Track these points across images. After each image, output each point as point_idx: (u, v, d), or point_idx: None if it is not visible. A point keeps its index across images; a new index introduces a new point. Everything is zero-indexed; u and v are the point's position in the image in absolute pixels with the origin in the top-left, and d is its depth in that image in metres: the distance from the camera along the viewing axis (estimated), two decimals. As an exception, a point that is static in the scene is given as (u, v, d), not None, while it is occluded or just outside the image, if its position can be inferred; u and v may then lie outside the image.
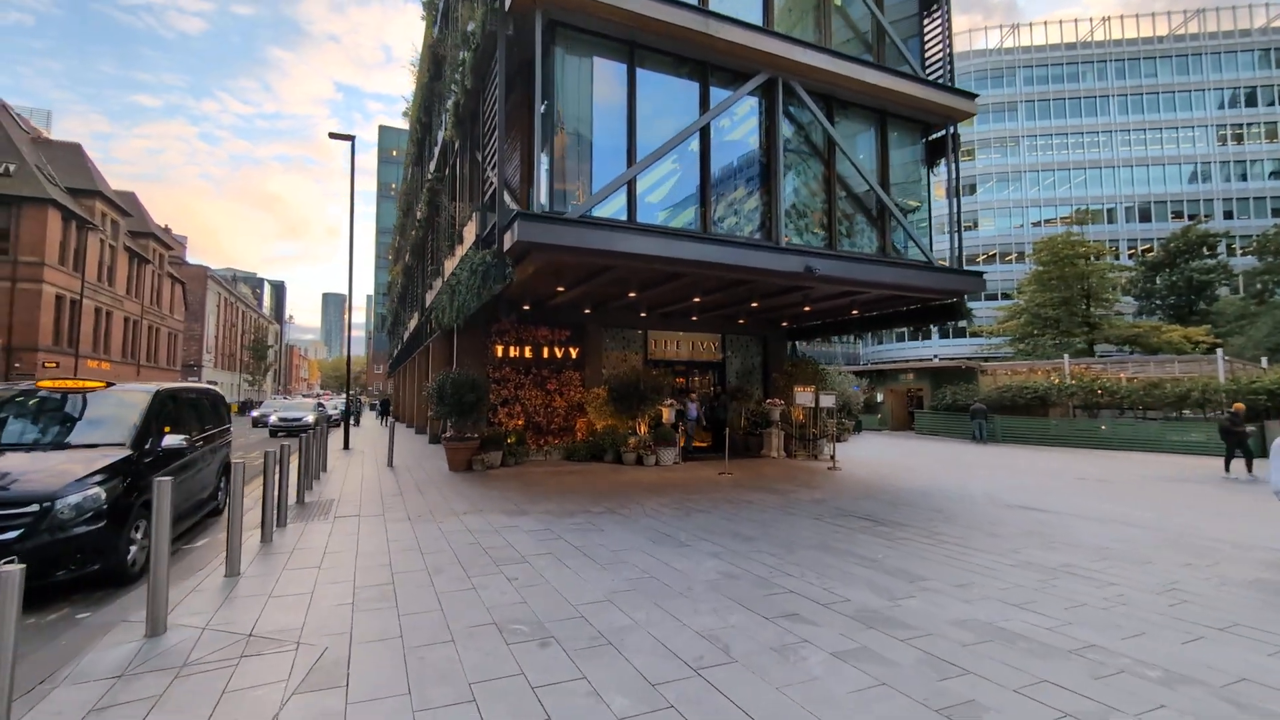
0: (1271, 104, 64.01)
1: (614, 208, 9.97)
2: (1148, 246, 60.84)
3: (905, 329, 14.65)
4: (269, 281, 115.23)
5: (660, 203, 10.51)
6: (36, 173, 25.75)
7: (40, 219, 25.26)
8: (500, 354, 14.41)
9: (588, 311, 14.98)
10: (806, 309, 13.83)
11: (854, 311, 14.56)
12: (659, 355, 16.66)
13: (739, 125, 11.34)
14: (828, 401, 15.54)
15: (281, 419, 26.60)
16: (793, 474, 12.58)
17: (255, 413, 32.99)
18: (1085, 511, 8.77)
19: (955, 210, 13.35)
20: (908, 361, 37.55)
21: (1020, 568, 5.77)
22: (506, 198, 9.42)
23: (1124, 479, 12.68)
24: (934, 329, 62.99)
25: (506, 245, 8.72)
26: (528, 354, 14.69)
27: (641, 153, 9.94)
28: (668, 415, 14.30)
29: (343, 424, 17.65)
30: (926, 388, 27.78)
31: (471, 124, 12.64)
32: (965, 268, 12.89)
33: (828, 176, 12.23)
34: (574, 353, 15.23)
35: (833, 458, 15.20)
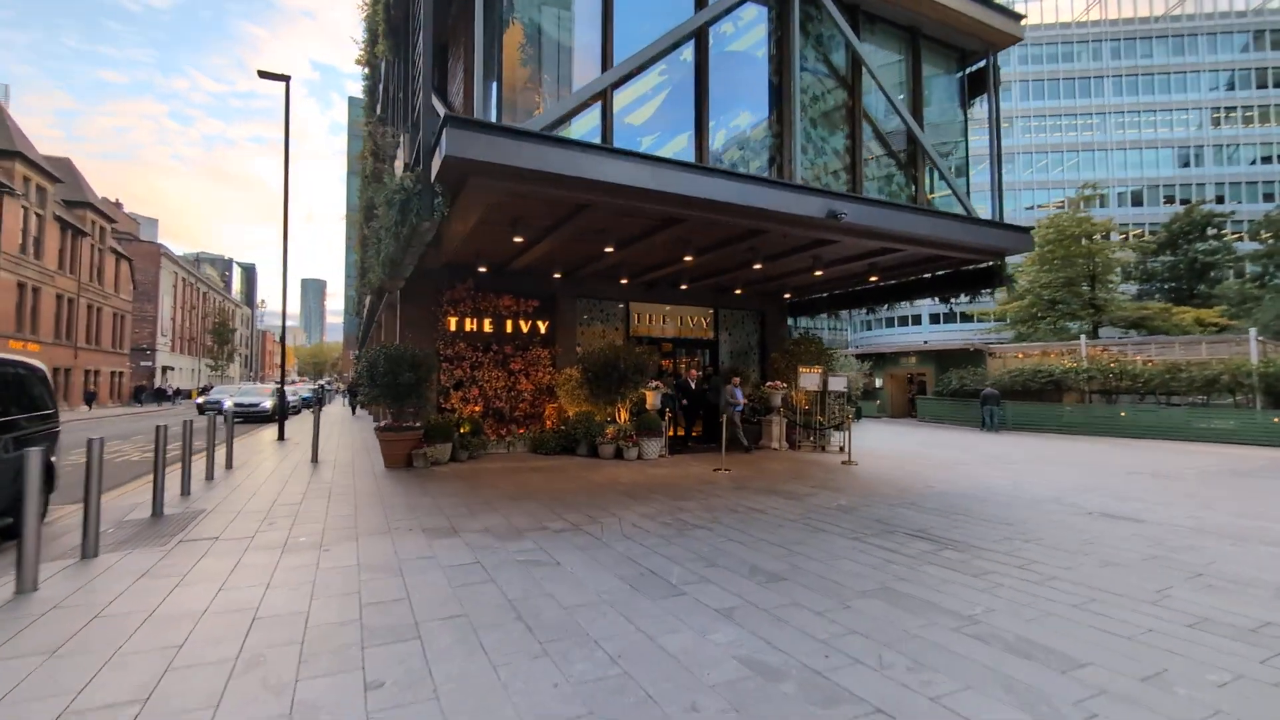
0: (1264, 87, 62.98)
1: (584, 128, 7.68)
2: (1139, 231, 59.75)
3: (931, 298, 12.50)
4: (239, 264, 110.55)
5: (644, 126, 8.21)
6: (-63, 127, 22.64)
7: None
8: (454, 327, 12.06)
9: (558, 277, 12.66)
10: (817, 274, 11.67)
11: (872, 279, 12.41)
12: (643, 331, 14.41)
13: (744, 33, 9.04)
14: (838, 385, 13.46)
15: (238, 405, 24.57)
16: (803, 470, 10.47)
17: (201, 399, 30.23)
18: (1196, 522, 6.73)
19: (995, 153, 11.22)
20: (902, 346, 35.72)
21: (1218, 634, 3.66)
22: (436, 103, 7.05)
23: (1181, 473, 10.74)
24: (924, 313, 61.53)
25: (435, 168, 6.39)
26: (487, 327, 12.36)
27: (620, 55, 7.62)
28: (652, 400, 12.09)
29: (280, 413, 15.23)
30: (930, 372, 25.90)
31: (405, 29, 10.18)
32: (1009, 223, 10.77)
33: (851, 107, 10.01)
34: (543, 327, 12.93)
35: (843, 449, 13.14)
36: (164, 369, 47.02)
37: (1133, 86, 65.87)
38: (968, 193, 10.85)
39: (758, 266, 11.08)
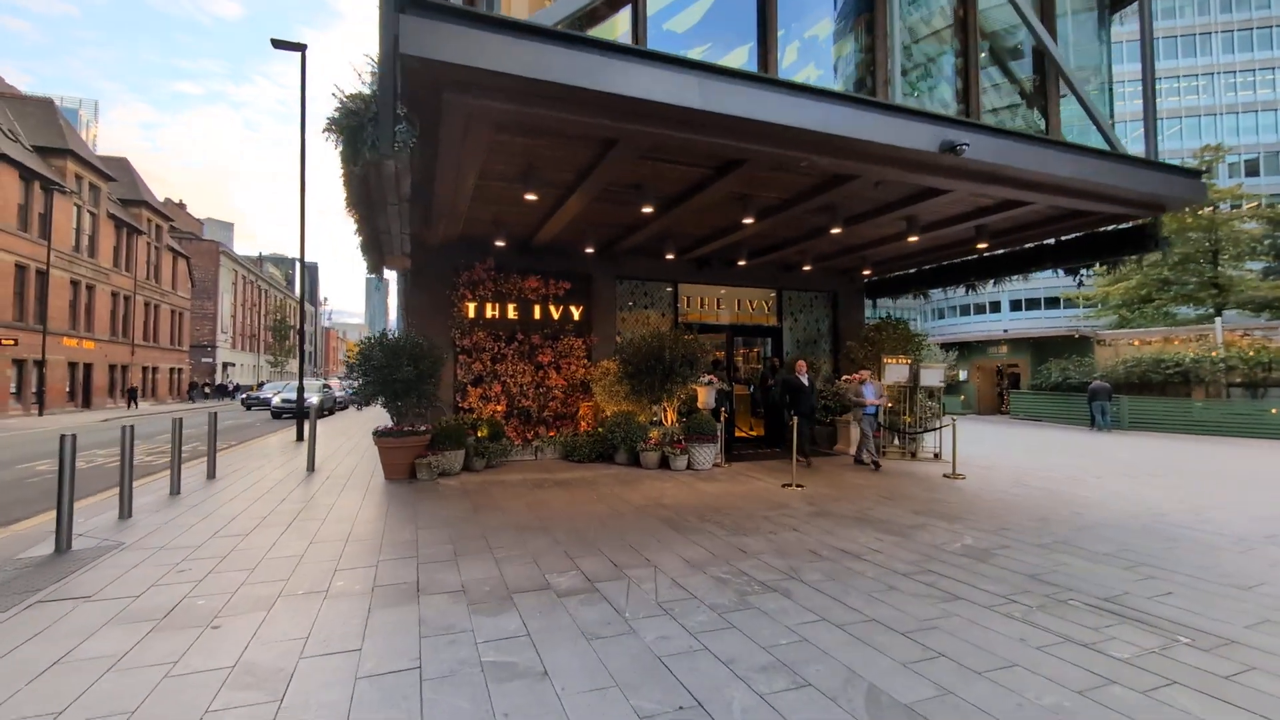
0: None
1: (608, 33, 5.75)
2: (1254, 204, 52.98)
3: (1054, 269, 9.97)
4: (300, 262, 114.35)
5: (689, 35, 6.22)
6: (-7, 128, 22.89)
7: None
8: (471, 314, 10.39)
9: (592, 253, 10.78)
10: (911, 239, 9.33)
11: (979, 247, 9.94)
12: (694, 317, 12.39)
13: (823, -87, 6.87)
14: (932, 379, 11.08)
15: (285, 400, 24.37)
16: (897, 486, 8.24)
17: (244, 395, 30.15)
18: None
19: (1148, 77, 8.60)
20: (990, 334, 31.97)
21: None
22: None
23: None
24: (1004, 298, 56.52)
25: (396, 80, 4.60)
26: (511, 314, 10.64)
27: (656, -68, 5.64)
28: (705, 397, 10.09)
29: (298, 412, 14.09)
30: (1024, 363, 22.74)
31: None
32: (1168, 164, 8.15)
33: (963, 17, 7.67)
34: (576, 313, 11.10)
35: (938, 456, 10.76)
36: (224, 365, 48.21)
37: (1245, 43, 58.68)
38: (1111, 123, 8.30)
39: (835, 232, 8.86)
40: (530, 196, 7.00)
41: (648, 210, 7.54)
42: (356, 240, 8.15)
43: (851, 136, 5.71)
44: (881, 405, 10.00)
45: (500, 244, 9.81)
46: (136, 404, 29.94)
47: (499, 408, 10.38)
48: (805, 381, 9.96)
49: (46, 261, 24.91)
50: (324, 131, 4.81)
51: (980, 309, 62.63)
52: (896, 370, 11.06)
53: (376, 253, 8.90)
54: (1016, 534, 5.82)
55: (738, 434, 12.72)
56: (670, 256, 10.68)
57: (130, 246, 32.47)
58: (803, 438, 9.41)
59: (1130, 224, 9.01)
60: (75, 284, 27.32)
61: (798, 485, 8.11)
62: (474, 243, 10.22)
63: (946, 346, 25.94)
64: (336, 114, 4.70)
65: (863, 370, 10.27)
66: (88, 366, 28.41)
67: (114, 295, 30.65)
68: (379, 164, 4.93)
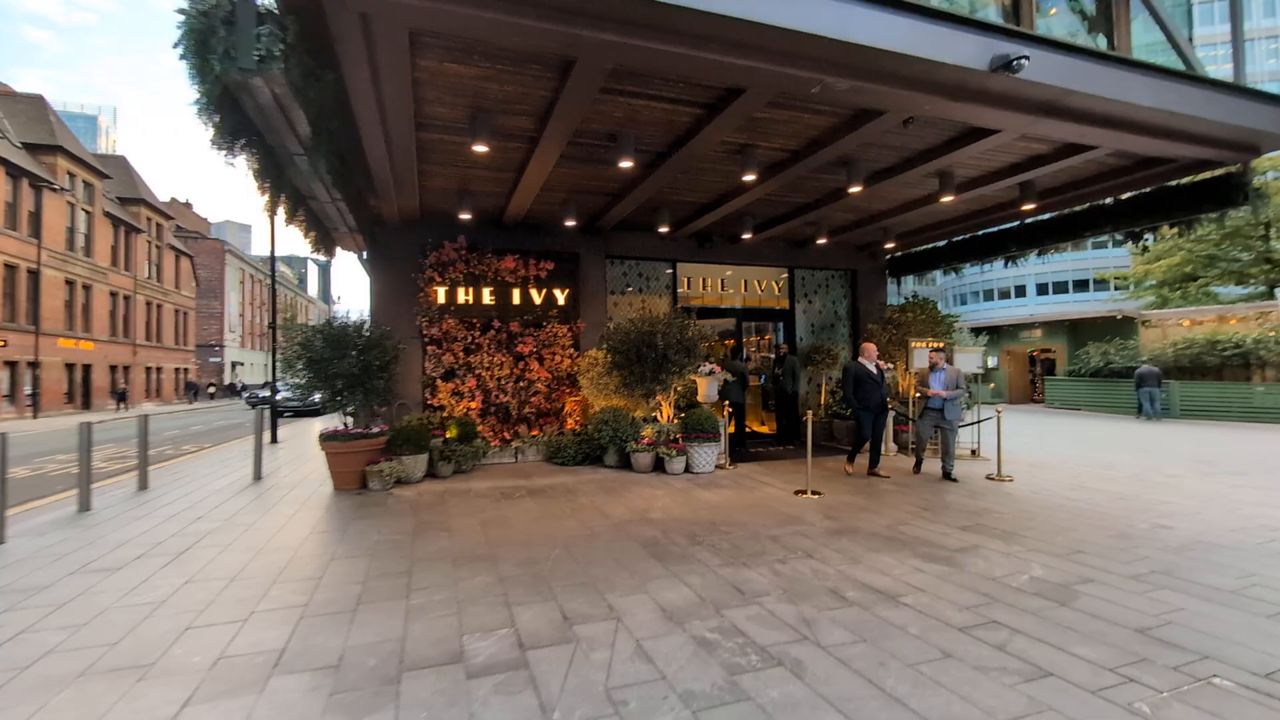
0: None
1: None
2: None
3: (1111, 233, 8.47)
4: (314, 261, 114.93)
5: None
6: (-23, 124, 22.23)
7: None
8: (441, 299, 9.21)
9: (574, 226, 9.53)
10: (945, 199, 7.92)
11: (1025, 208, 8.49)
12: (696, 300, 11.12)
13: None
14: (969, 364, 9.67)
15: (286, 400, 23.49)
16: (935, 493, 6.92)
17: (248, 394, 29.49)
18: None
19: (1238, -3, 7.12)
20: (1023, 317, 30.03)
21: None
22: None
23: None
24: (1029, 281, 54.19)
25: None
26: (487, 298, 9.44)
27: None
28: (705, 389, 8.81)
29: (272, 413, 13.08)
30: (1061, 347, 21.08)
31: None
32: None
33: (1008, -87, 6.25)
34: (561, 296, 9.87)
35: (976, 453, 9.38)
36: (233, 364, 47.85)
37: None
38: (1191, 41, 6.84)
39: (854, 191, 7.50)
40: (480, 148, 5.75)
41: (626, 165, 6.26)
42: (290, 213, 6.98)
43: (876, 47, 4.38)
44: (959, 399, 7.63)
45: (468, 218, 8.59)
46: (126, 405, 29.35)
47: (473, 405, 9.20)
48: (874, 370, 7.85)
49: (38, 260, 24.28)
50: (175, 46, 3.60)
51: (1005, 294, 60.26)
52: (925, 355, 9.66)
53: (319, 228, 7.74)
54: (1097, 559, 4.49)
55: (747, 429, 11.43)
56: (665, 230, 9.38)
57: (129, 245, 31.90)
58: (875, 441, 7.96)
59: (1208, 175, 7.54)
60: (70, 283, 26.73)
61: (813, 493, 6.81)
62: (441, 218, 9.03)
63: (974, 331, 24.34)
64: (186, 15, 3.48)
65: (934, 352, 8.12)
66: (86, 367, 27.88)
67: (113, 295, 30.09)
68: (245, 85, 3.72)
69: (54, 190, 25.03)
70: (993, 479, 7.65)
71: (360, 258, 9.29)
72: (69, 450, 13.00)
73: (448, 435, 8.34)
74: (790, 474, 8.00)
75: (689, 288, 11.05)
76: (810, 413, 7.23)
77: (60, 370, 25.95)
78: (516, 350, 9.48)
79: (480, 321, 9.38)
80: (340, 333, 6.97)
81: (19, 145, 24.61)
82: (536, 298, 9.72)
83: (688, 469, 8.17)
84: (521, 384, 9.46)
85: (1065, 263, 47.85)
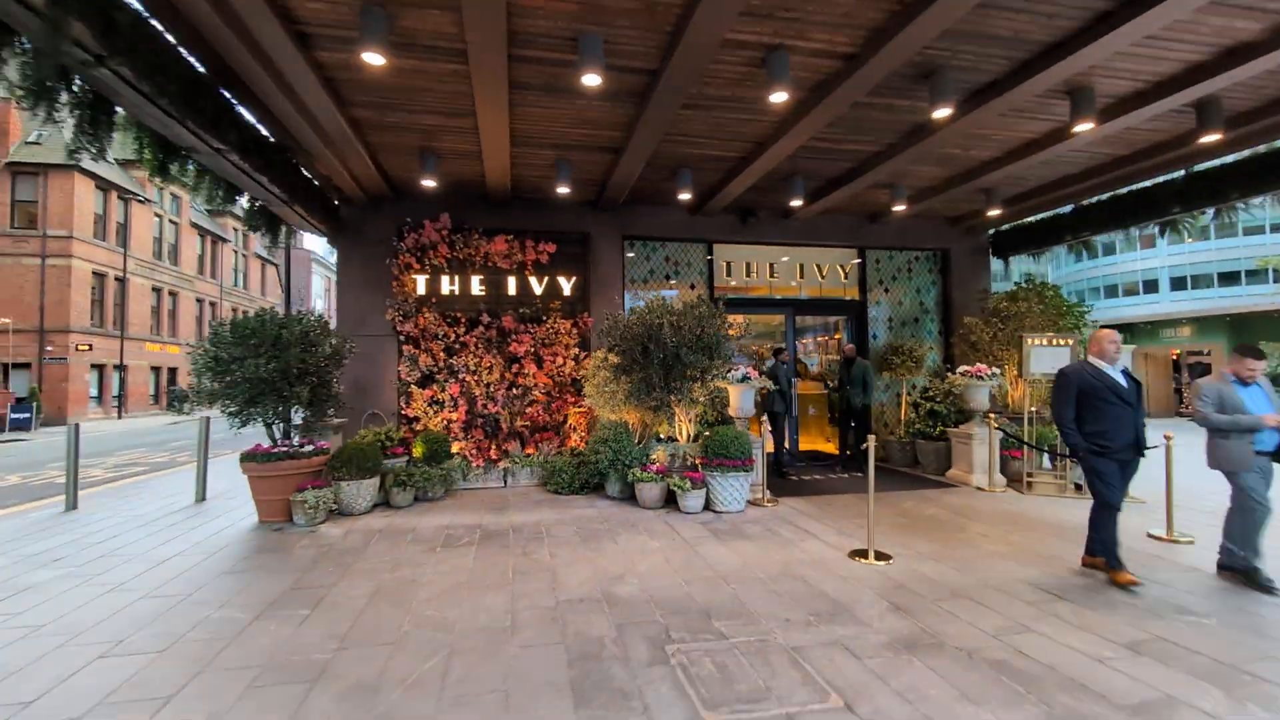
0: None
1: None
2: None
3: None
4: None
5: None
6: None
7: (67, 188, 23.14)
8: (421, 289, 7.72)
9: (569, 193, 7.77)
10: (1078, 128, 5.45)
11: (1203, 141, 5.80)
12: (738, 288, 9.07)
13: None
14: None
15: None
16: (1065, 558, 4.53)
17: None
18: None
19: None
20: (1165, 313, 25.20)
21: None
22: None
23: None
24: (1162, 275, 47.07)
25: None
26: (476, 288, 7.86)
27: None
28: (737, 401, 6.75)
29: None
30: (1218, 348, 17.03)
31: None
32: None
33: None
34: (567, 285, 8.14)
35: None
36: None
37: None
38: None
39: (941, 116, 5.25)
40: (373, 58, 4.06)
41: (595, 83, 4.39)
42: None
43: None
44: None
45: (435, 185, 7.04)
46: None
47: (454, 416, 7.61)
48: (1117, 375, 4.24)
49: (124, 269, 25.56)
50: None
51: (1131, 290, 52.81)
52: (1046, 355, 7.12)
53: (262, 216, 6.44)
54: None
55: (803, 447, 9.21)
56: (688, 198, 7.41)
57: (216, 254, 33.51)
58: (1111, 498, 4.24)
59: None
60: (157, 290, 28.13)
61: (878, 556, 4.62)
62: (418, 194, 7.56)
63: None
64: None
65: (1240, 357, 4.09)
66: (172, 370, 29.27)
67: (199, 301, 31.59)
68: None
69: (141, 202, 26.35)
70: (1158, 538, 5.13)
71: (334, 245, 7.96)
72: (130, 448, 12.70)
73: (413, 454, 6.79)
74: (851, 518, 5.80)
75: (729, 275, 8.99)
76: (872, 437, 5.00)
77: (146, 373, 27.28)
78: (509, 351, 7.82)
79: (466, 316, 7.81)
80: (254, 327, 5.53)
81: (110, 160, 26.07)
82: (536, 287, 8.03)
83: (709, 506, 6.15)
84: (514, 391, 7.78)
85: (1207, 252, 41.06)
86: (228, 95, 4.84)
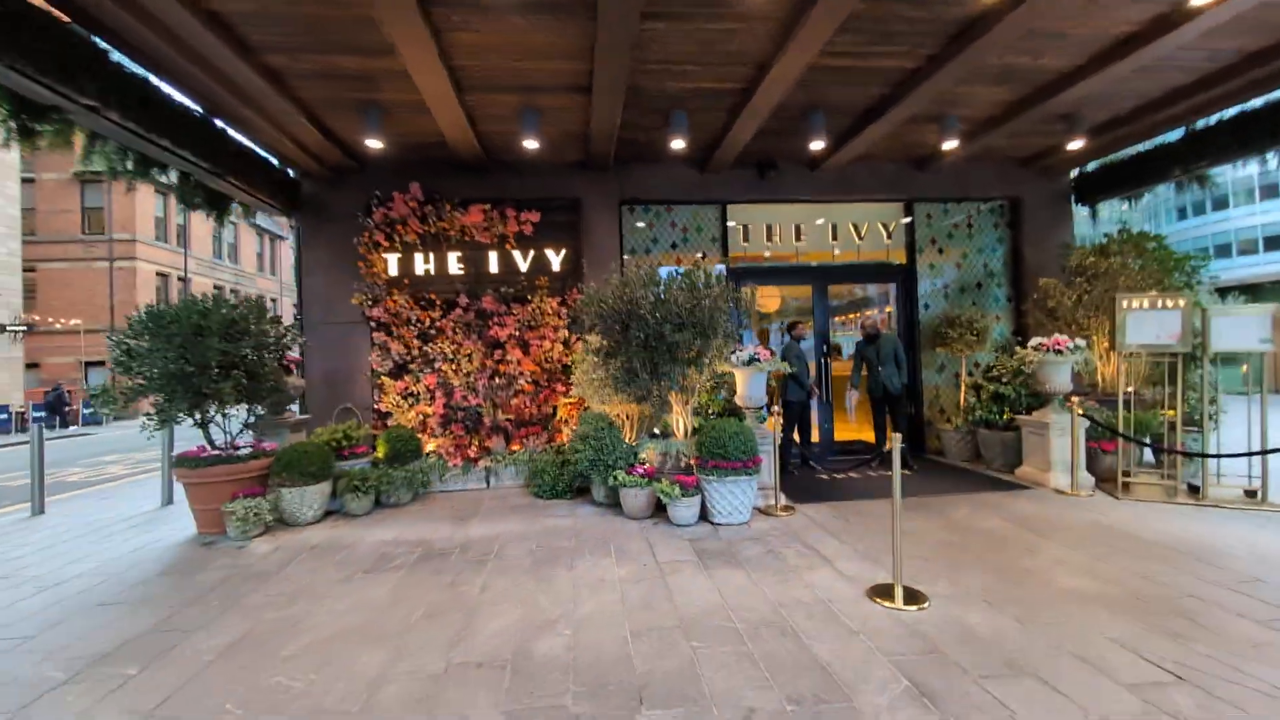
0: None
1: None
2: None
3: None
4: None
5: None
6: (130, 147, 24.61)
7: (130, 194, 24.19)
8: (393, 269, 6.93)
9: (539, 148, 6.75)
10: (1200, 4, 3.94)
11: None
12: (756, 257, 7.82)
13: None
14: (1242, 335, 5.43)
15: None
16: (1197, 602, 3.18)
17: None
18: None
19: None
20: (1262, 276, 21.75)
21: None
22: None
23: None
24: (1258, 232, 41.26)
25: None
26: (453, 266, 7.00)
27: None
28: (744, 387, 5.59)
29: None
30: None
31: None
32: None
33: None
34: (556, 259, 7.15)
35: (1254, 495, 5.18)
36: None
37: None
38: None
39: (990, 2, 3.86)
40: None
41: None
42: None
43: None
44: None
45: (389, 150, 6.18)
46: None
47: (430, 409, 6.80)
48: None
49: (185, 269, 26.60)
50: None
51: (1247, 249, 46.62)
52: (1144, 322, 5.55)
53: (199, 191, 5.77)
54: None
55: (840, 437, 7.91)
56: (681, 146, 6.21)
57: (274, 252, 34.64)
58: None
59: None
60: (218, 288, 29.22)
61: (908, 597, 3.41)
62: (381, 163, 6.73)
63: (1219, 292, 17.71)
64: None
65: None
66: (236, 366, 30.50)
67: (259, 298, 32.72)
68: None
69: (196, 204, 27.27)
70: (1332, 574, 3.65)
71: (297, 224, 7.26)
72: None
73: (379, 454, 6.02)
74: (882, 533, 4.57)
75: (747, 241, 7.74)
76: (896, 436, 3.76)
77: (211, 368, 28.50)
78: (490, 335, 6.92)
79: (443, 298, 6.96)
80: (174, 315, 4.84)
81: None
82: (521, 262, 7.08)
83: (705, 516, 5.06)
84: (497, 381, 6.89)
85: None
86: (98, 42, 4.09)
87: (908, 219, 7.97)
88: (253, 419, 5.71)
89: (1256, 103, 5.79)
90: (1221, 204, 38.38)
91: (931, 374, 7.91)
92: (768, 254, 7.81)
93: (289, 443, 5.82)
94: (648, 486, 5.14)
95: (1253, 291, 16.54)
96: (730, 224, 7.68)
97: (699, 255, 7.61)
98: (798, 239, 7.81)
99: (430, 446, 6.69)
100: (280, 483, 5.27)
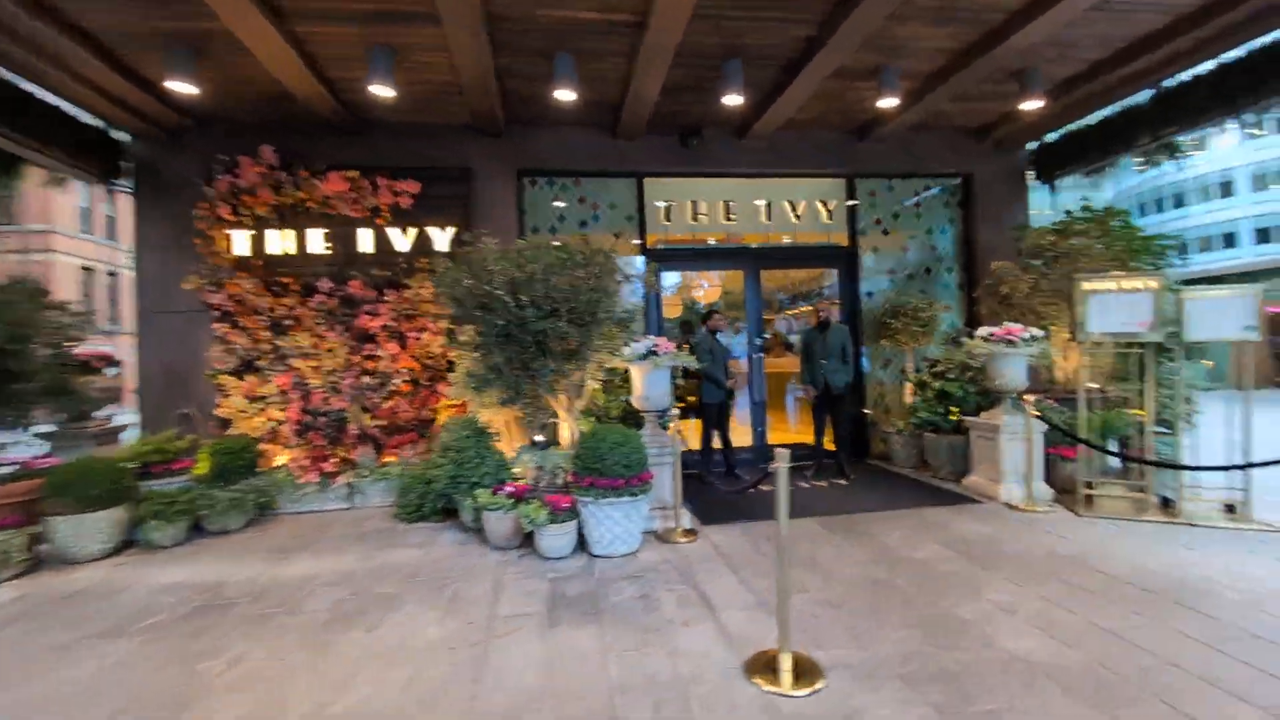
0: None
1: None
2: None
3: None
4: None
5: None
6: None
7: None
8: (244, 247, 5.81)
9: (439, 118, 5.72)
10: None
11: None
12: (681, 238, 6.89)
13: None
14: (1223, 324, 4.62)
15: None
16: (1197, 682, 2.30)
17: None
18: None
19: None
20: (1264, 262, 21.78)
21: None
22: None
23: None
24: (1240, 228, 41.98)
25: None
26: (318, 246, 5.92)
27: None
28: (641, 385, 4.63)
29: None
30: (1333, 303, 13.84)
31: None
32: None
33: None
34: (442, 238, 6.09)
35: (1234, 510, 4.38)
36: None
37: None
38: None
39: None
40: None
41: None
42: None
43: None
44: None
45: (198, 94, 5.08)
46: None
47: (284, 414, 5.71)
48: None
49: (115, 263, 24.84)
50: None
51: (1205, 246, 47.28)
52: (1115, 307, 4.74)
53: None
54: None
55: (775, 440, 6.99)
56: (572, 98, 5.20)
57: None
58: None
59: None
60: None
61: (796, 670, 2.47)
62: (227, 120, 5.63)
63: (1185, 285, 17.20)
64: None
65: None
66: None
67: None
68: None
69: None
70: (1342, 622, 2.82)
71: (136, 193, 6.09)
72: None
73: (197, 472, 4.93)
74: (796, 563, 3.64)
75: (669, 219, 6.80)
76: (784, 453, 2.96)
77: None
78: (359, 326, 5.86)
79: (302, 283, 5.87)
80: None
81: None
82: (400, 241, 6.02)
83: (583, 546, 4.09)
84: (367, 380, 5.83)
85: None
86: None
87: (852, 202, 7.10)
88: (39, 429, 4.58)
89: (1237, 52, 5.01)
90: (1180, 201, 39.10)
91: (877, 369, 7.07)
92: (693, 235, 6.87)
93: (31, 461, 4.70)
94: (514, 509, 4.15)
95: (1219, 284, 16.19)
96: (657, 204, 6.72)
97: (614, 234, 6.63)
98: (727, 218, 6.88)
99: (281, 459, 5.61)
100: (53, 509, 4.15)
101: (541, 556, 4.03)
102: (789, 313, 10.15)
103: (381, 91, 4.77)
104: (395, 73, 4.80)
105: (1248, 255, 37.81)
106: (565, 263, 4.16)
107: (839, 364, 5.89)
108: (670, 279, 9.84)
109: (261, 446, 5.63)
